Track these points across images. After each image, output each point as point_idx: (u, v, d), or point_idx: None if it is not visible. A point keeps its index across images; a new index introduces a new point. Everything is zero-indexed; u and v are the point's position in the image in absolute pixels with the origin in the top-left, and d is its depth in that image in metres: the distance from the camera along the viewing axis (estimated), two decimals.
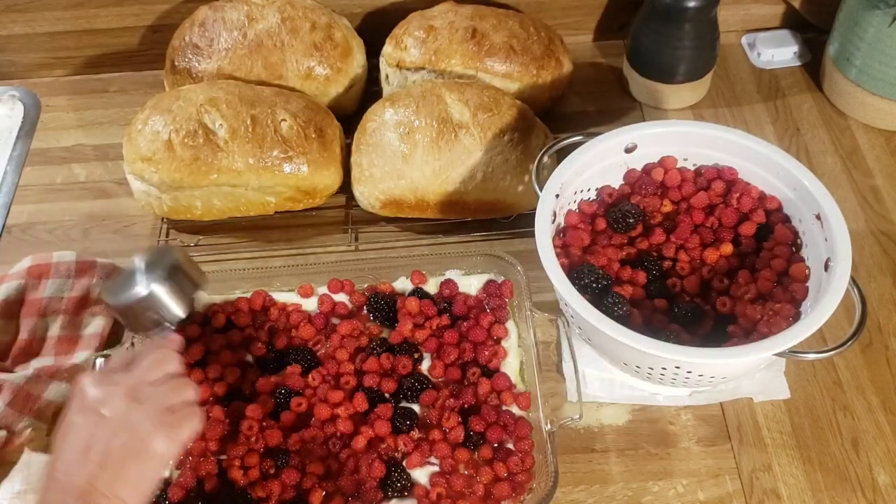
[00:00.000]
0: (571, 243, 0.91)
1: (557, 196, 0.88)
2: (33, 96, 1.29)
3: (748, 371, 0.89)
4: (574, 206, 0.94)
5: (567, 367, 0.92)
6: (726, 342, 0.84)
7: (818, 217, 0.86)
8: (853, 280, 0.81)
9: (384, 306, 0.96)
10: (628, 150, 0.94)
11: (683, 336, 0.85)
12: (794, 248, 0.90)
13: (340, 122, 1.11)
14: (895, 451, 0.88)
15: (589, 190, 0.95)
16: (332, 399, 0.88)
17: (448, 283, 0.98)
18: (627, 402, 0.92)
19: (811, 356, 0.80)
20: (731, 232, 0.92)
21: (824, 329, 0.79)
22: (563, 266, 0.83)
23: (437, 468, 0.85)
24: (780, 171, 0.90)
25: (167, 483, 0.85)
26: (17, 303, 0.98)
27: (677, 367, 0.80)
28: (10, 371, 0.94)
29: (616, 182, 0.96)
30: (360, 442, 0.86)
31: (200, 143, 1.01)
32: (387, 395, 0.90)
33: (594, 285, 0.85)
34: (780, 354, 0.77)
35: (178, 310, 0.79)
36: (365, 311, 0.97)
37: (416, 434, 0.87)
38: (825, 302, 0.78)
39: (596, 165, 0.93)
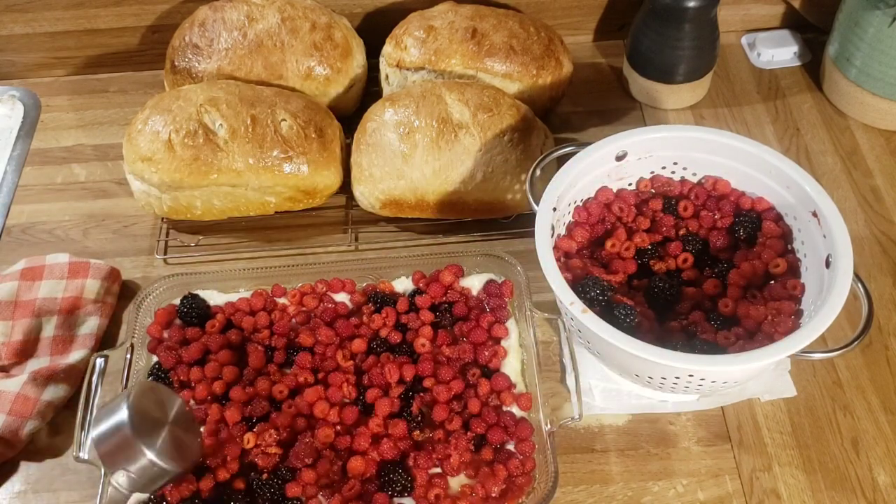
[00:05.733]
0: (572, 255, 0.91)
1: (555, 209, 0.88)
2: (33, 96, 1.29)
3: (761, 373, 0.89)
4: (570, 218, 0.94)
5: (570, 378, 0.92)
6: (731, 344, 0.84)
7: (814, 214, 0.86)
8: (857, 277, 0.81)
9: (384, 306, 0.96)
10: (619, 158, 0.94)
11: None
12: (785, 244, 0.90)
13: (340, 122, 1.11)
14: (895, 451, 0.88)
15: (584, 199, 0.95)
16: (332, 398, 0.89)
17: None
18: (637, 412, 0.91)
19: (818, 356, 0.80)
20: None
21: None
22: (566, 280, 0.82)
23: (437, 469, 0.85)
24: (773, 171, 0.90)
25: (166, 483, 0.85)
26: (10, 304, 0.98)
27: (690, 375, 0.80)
28: (6, 371, 0.95)
29: (607, 184, 0.96)
30: (360, 441, 0.86)
31: (200, 143, 1.01)
32: (387, 394, 0.90)
33: (601, 298, 0.85)
34: (790, 355, 0.77)
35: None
36: (365, 311, 0.97)
37: (417, 434, 0.87)
38: (832, 297, 0.77)
39: (588, 175, 0.93)
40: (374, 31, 1.20)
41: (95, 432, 0.75)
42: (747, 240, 0.93)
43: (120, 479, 0.74)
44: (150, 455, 0.73)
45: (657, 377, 0.82)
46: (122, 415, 0.74)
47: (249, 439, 0.86)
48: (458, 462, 0.84)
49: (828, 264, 0.82)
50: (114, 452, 0.74)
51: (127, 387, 0.90)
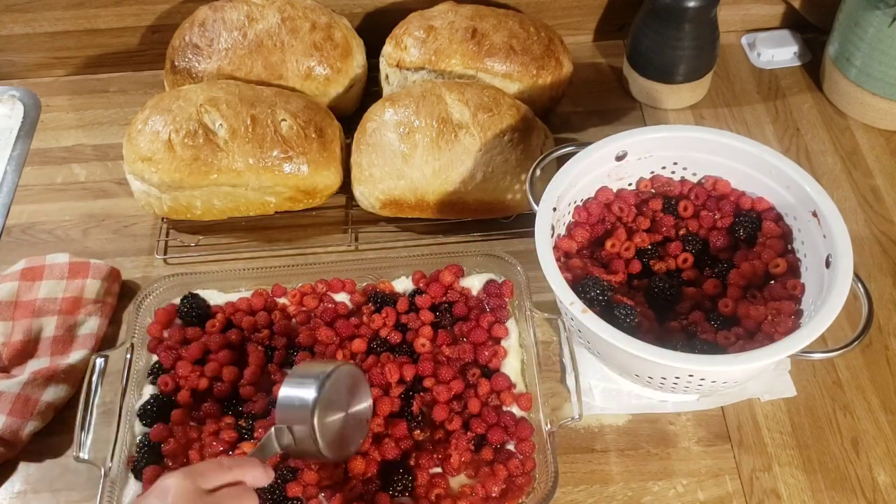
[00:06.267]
0: (572, 255, 0.91)
1: (555, 209, 0.88)
2: (33, 96, 1.29)
3: (761, 373, 0.89)
4: (570, 218, 0.94)
5: (570, 378, 0.92)
6: (731, 344, 0.84)
7: (814, 214, 0.86)
8: (857, 277, 0.81)
9: (384, 306, 0.96)
10: (619, 158, 0.94)
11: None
12: (785, 244, 0.90)
13: (340, 122, 1.11)
14: (895, 451, 0.88)
15: (584, 199, 0.95)
16: None
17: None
18: (637, 412, 0.91)
19: (818, 356, 0.80)
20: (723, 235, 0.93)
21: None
22: (566, 280, 0.82)
23: (437, 468, 0.85)
24: (773, 171, 0.90)
25: None
26: (11, 305, 0.98)
27: (690, 375, 0.80)
28: (7, 372, 0.95)
29: (607, 184, 0.96)
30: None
31: (200, 143, 1.01)
32: (387, 394, 0.90)
33: (601, 298, 0.85)
34: (790, 355, 0.77)
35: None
36: (365, 311, 0.97)
37: (417, 434, 0.87)
38: (832, 297, 0.77)
39: (588, 175, 0.93)
40: (374, 31, 1.20)
41: (288, 381, 0.79)
42: (747, 240, 0.93)
43: (281, 433, 0.77)
44: (314, 431, 0.76)
45: (657, 377, 0.82)
46: (315, 382, 0.77)
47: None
48: (458, 462, 0.84)
49: (828, 264, 0.82)
50: (289, 408, 0.77)
51: (126, 387, 0.90)
